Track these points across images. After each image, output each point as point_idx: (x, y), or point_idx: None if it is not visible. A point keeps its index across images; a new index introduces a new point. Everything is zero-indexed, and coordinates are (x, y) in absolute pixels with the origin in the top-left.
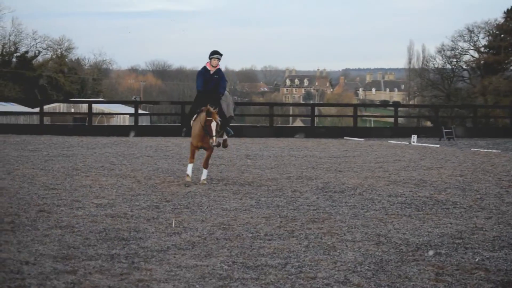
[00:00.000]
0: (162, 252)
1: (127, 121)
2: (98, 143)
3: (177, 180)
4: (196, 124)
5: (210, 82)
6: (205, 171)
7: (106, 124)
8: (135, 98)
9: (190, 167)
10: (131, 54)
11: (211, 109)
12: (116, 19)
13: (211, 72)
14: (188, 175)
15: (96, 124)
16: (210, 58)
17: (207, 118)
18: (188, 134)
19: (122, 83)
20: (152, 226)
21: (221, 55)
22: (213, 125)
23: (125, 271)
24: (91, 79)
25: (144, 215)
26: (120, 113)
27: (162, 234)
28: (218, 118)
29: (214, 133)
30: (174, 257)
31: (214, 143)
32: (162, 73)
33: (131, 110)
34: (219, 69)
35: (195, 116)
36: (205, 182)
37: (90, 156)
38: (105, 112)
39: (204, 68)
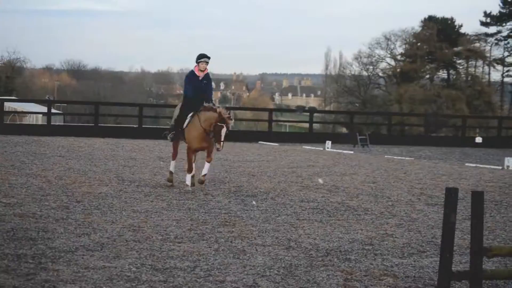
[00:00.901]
0: (70, 253)
1: (40, 120)
2: (10, 141)
3: (88, 181)
4: (193, 126)
5: (199, 87)
6: (207, 165)
7: (18, 123)
8: (48, 97)
9: (188, 178)
10: (45, 52)
11: (223, 113)
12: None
13: (200, 78)
14: (187, 184)
15: (8, 122)
16: (197, 62)
17: (219, 124)
18: (174, 138)
19: (36, 82)
20: (61, 227)
21: (208, 58)
22: (223, 131)
23: (32, 271)
24: (4, 77)
25: (53, 215)
26: (33, 112)
27: (71, 235)
28: (231, 123)
29: (222, 139)
30: (82, 258)
31: (221, 148)
32: (77, 72)
33: (44, 109)
34: (207, 74)
35: (188, 118)
36: (203, 179)
37: (0, 154)
38: (18, 110)
39: (192, 72)
